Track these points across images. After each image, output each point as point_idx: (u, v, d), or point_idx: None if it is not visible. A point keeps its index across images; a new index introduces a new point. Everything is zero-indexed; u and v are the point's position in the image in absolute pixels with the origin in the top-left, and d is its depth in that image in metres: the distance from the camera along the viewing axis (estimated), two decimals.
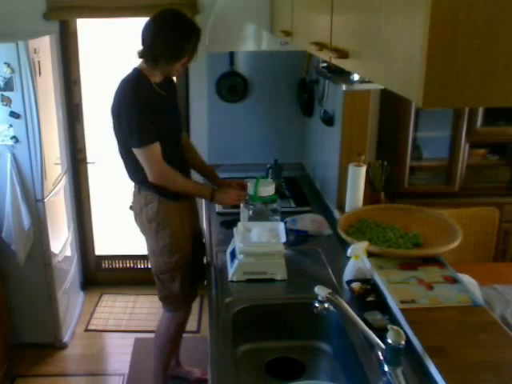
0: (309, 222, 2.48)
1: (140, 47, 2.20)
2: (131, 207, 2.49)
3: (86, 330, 3.37)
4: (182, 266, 2.43)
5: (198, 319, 3.43)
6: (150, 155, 2.21)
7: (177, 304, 2.55)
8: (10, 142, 2.78)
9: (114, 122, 2.24)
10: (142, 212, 2.38)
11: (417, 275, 1.90)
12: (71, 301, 3.36)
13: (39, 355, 3.09)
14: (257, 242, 2.05)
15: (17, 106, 2.72)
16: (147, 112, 2.16)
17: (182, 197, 2.39)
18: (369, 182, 2.50)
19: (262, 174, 2.79)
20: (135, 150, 2.21)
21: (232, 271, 2.07)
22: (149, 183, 2.29)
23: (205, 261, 2.47)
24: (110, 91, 2.25)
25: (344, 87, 2.12)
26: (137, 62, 2.26)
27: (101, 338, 3.33)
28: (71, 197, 3.48)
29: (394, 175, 2.92)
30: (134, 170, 2.32)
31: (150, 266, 2.57)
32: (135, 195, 2.41)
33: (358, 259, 1.95)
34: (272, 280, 2.06)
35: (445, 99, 0.87)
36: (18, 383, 2.92)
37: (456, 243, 2.02)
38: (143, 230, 2.46)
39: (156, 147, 2.20)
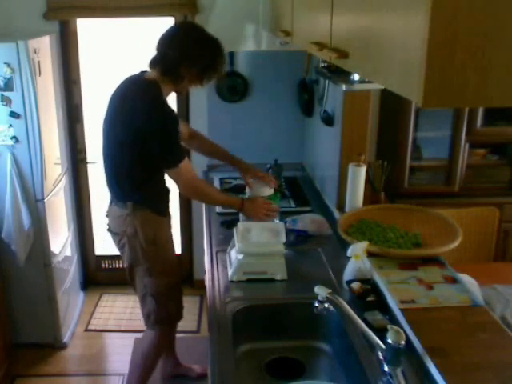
0: (309, 221, 2.48)
1: (154, 56, 2.13)
2: (112, 231, 2.34)
3: (86, 330, 3.37)
4: (178, 282, 2.40)
5: (197, 319, 3.43)
6: (187, 169, 2.15)
7: (172, 323, 2.50)
8: (10, 142, 2.78)
9: (128, 136, 2.09)
10: (139, 234, 2.22)
11: (417, 275, 1.90)
12: (71, 301, 3.35)
13: (39, 355, 3.09)
14: (257, 242, 2.05)
15: (17, 106, 2.72)
16: (177, 126, 2.09)
17: (168, 211, 2.34)
18: (369, 181, 2.50)
19: None
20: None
21: (232, 271, 2.07)
22: (146, 200, 2.20)
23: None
24: (110, 91, 2.24)
25: (344, 87, 2.12)
26: (137, 65, 2.21)
27: (101, 337, 3.33)
28: (71, 197, 3.48)
29: (394, 175, 2.92)
30: (134, 186, 2.21)
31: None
32: (127, 216, 2.23)
33: (358, 259, 1.95)
34: (272, 280, 2.06)
35: (445, 99, 0.87)
36: (18, 383, 2.92)
37: (456, 243, 2.03)
38: (136, 254, 2.27)
39: (188, 161, 2.17)
